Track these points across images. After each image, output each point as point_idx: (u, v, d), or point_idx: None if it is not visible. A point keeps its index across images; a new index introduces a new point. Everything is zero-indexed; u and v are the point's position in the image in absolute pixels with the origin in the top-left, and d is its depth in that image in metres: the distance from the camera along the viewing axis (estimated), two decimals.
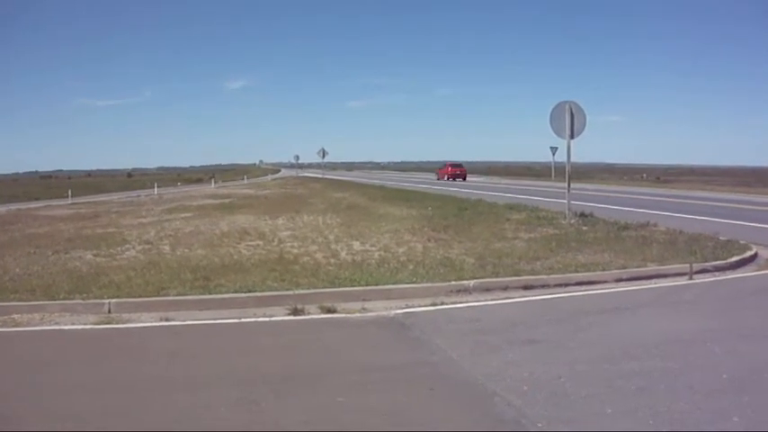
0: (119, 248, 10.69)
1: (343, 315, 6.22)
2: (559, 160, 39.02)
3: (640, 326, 5.66)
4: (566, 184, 13.98)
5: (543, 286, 7.35)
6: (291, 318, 6.14)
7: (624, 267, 8.12)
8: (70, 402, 3.99)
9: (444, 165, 52.57)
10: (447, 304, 6.56)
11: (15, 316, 6.34)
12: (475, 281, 7.32)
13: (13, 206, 26.47)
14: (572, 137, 13.11)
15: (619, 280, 7.65)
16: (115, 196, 35.64)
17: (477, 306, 6.54)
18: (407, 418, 3.65)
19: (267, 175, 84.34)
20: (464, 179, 46.45)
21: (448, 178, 47.31)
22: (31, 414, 3.81)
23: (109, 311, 6.46)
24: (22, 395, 4.14)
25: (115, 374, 4.55)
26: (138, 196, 33.62)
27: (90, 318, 6.28)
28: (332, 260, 8.92)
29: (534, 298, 6.91)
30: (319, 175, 61.32)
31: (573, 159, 13.72)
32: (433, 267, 8.09)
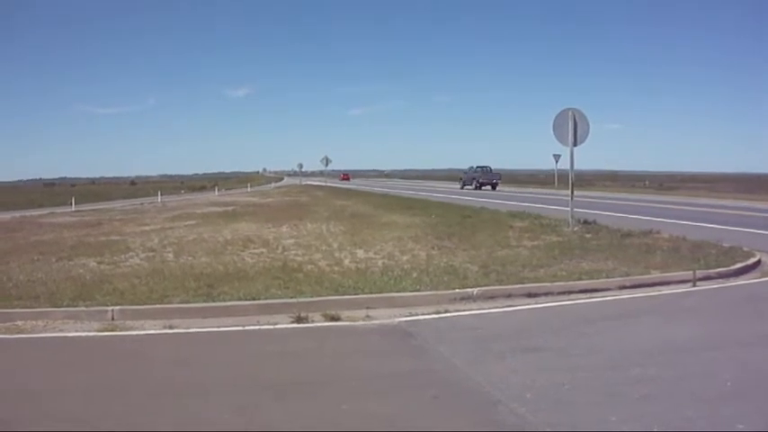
0: (122, 256, 10.72)
1: (347, 323, 6.23)
2: (563, 168, 39.11)
3: (644, 333, 5.66)
4: (569, 192, 13.99)
5: (547, 294, 7.35)
6: (295, 325, 6.15)
7: (627, 275, 8.12)
8: (73, 408, 4.00)
9: (341, 173, 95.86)
10: (451, 312, 6.55)
11: (19, 322, 6.36)
12: (479, 289, 7.32)
13: (17, 213, 26.49)
14: (575, 144, 13.13)
15: (622, 287, 7.64)
16: (119, 204, 35.64)
17: (481, 314, 6.54)
18: (411, 426, 3.65)
19: (270, 183, 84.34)
20: (348, 180, 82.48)
21: (342, 180, 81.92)
22: (33, 419, 3.82)
23: (112, 318, 6.49)
24: (25, 401, 4.15)
25: (119, 381, 4.55)
26: (142, 204, 33.66)
27: (94, 325, 6.29)
28: (336, 268, 8.94)
29: (538, 306, 6.90)
30: (322, 183, 61.44)
31: (576, 167, 13.75)
32: (436, 275, 8.10)
